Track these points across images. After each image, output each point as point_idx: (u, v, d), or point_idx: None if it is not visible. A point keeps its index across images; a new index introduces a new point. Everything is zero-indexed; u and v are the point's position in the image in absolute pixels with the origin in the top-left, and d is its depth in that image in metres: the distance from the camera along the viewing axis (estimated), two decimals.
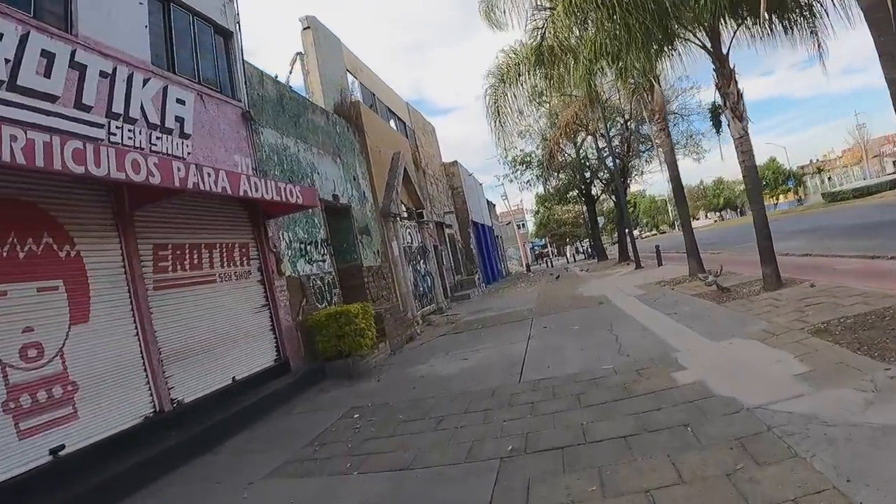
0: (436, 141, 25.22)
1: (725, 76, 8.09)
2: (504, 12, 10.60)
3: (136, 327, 5.98)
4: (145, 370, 5.96)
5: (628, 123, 24.02)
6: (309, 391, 7.77)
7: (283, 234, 8.74)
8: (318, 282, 9.52)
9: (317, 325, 8.32)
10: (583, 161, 27.45)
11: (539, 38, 9.36)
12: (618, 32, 8.91)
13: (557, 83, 11.69)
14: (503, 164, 29.81)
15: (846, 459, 2.75)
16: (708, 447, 3.26)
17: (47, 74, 5.38)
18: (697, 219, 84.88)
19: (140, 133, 6.50)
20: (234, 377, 7.19)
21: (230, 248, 7.67)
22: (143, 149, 6.43)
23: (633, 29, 7.70)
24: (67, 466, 4.74)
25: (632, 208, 53.65)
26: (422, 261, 16.75)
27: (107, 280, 5.79)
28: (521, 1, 10.09)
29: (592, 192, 29.71)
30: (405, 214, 15.86)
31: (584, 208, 34.95)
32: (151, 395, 5.97)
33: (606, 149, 24.12)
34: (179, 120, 7.18)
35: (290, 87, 10.64)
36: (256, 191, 6.58)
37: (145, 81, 6.71)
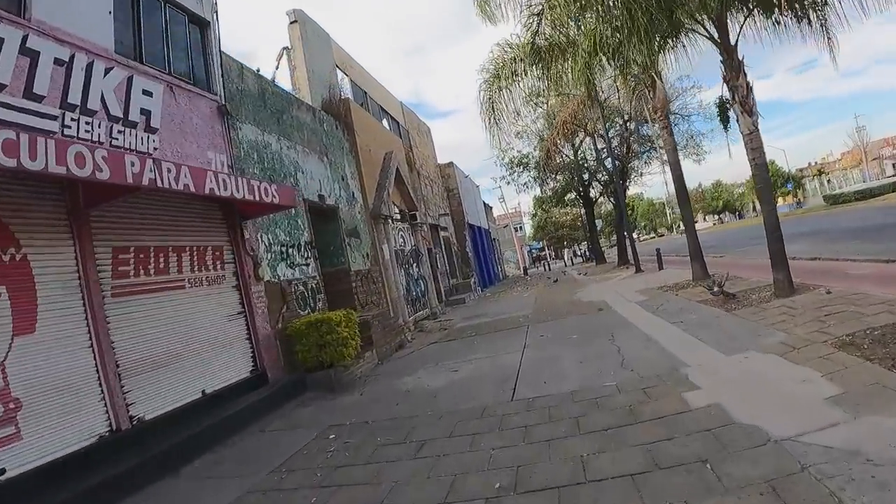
0: (431, 142, 24.70)
1: (734, 68, 7.58)
2: (499, 5, 10.10)
3: (91, 338, 5.43)
4: (100, 385, 5.42)
5: (628, 124, 23.51)
6: (287, 405, 7.21)
7: (261, 237, 8.19)
8: (301, 287, 8.96)
9: (297, 334, 7.76)
10: (581, 162, 26.92)
11: (535, 24, 8.82)
12: (619, 23, 8.41)
13: (555, 80, 11.19)
14: (500, 165, 29.29)
15: None
16: (732, 491, 2.71)
17: None
18: (696, 222, 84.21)
19: (99, 126, 5.95)
20: (203, 391, 6.63)
21: (202, 252, 7.11)
22: (101, 143, 5.88)
23: (636, 17, 7.18)
24: (8, 493, 4.22)
25: (630, 211, 53.15)
26: (415, 264, 16.19)
27: (57, 286, 5.24)
28: None
29: (590, 195, 29.18)
30: (397, 216, 15.31)
31: (582, 211, 34.43)
32: (107, 411, 5.42)
33: (605, 150, 23.61)
34: (146, 113, 6.63)
35: (274, 82, 10.11)
36: (225, 189, 6.02)
37: (107, 71, 6.17)
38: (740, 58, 7.66)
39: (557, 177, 28.18)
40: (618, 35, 8.60)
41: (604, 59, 9.51)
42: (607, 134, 21.05)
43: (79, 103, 5.74)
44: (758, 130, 7.54)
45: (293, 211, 9.21)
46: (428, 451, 4.22)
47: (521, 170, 28.81)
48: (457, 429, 4.61)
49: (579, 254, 59.65)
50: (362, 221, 12.32)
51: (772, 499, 2.57)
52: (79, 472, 4.80)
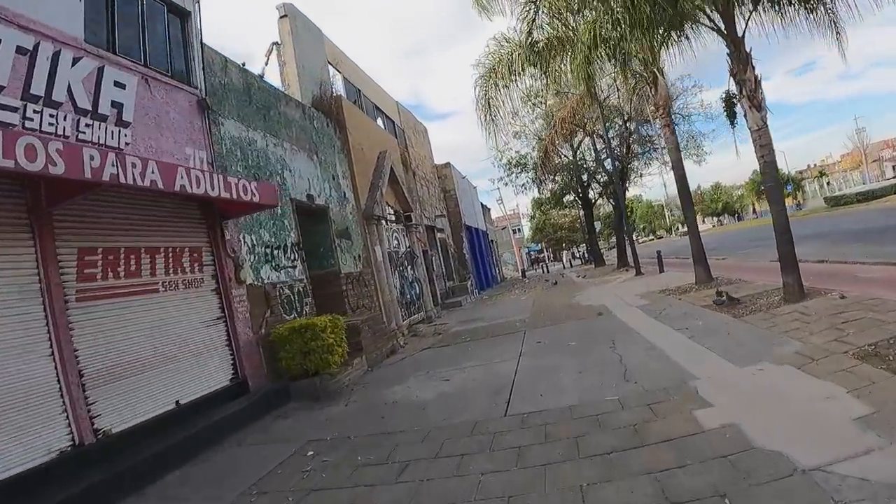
0: (428, 142, 24.30)
1: (741, 61, 7.19)
2: None
3: (52, 345, 5.03)
4: (62, 396, 5.03)
5: (628, 123, 23.13)
6: (267, 416, 6.80)
7: (244, 237, 7.78)
8: (287, 290, 8.55)
9: (280, 341, 7.35)
10: (580, 163, 26.52)
11: (532, 13, 8.41)
12: (620, 15, 8.03)
13: (553, 77, 10.82)
14: (497, 166, 28.89)
15: None
16: None
17: None
18: None
19: (65, 119, 5.56)
20: (177, 401, 6.21)
21: (178, 253, 6.70)
22: (66, 136, 5.49)
23: (640, 6, 6.78)
24: None
25: (629, 213, 52.78)
26: (409, 267, 15.78)
27: (14, 290, 4.85)
28: None
29: (589, 196, 28.76)
30: (391, 217, 14.90)
31: (581, 212, 34.05)
32: (69, 425, 5.03)
33: (605, 150, 23.23)
34: (117, 106, 6.22)
35: (261, 76, 9.70)
36: (198, 186, 5.61)
37: (75, 61, 5.78)
38: (748, 50, 7.27)
39: (556, 178, 27.78)
40: (619, 28, 8.23)
41: (604, 53, 9.13)
42: (607, 134, 20.64)
43: (42, 94, 5.37)
44: (766, 126, 7.15)
45: (279, 211, 8.81)
46: (411, 474, 3.81)
47: (519, 171, 28.43)
48: (444, 448, 4.20)
49: (578, 256, 59.22)
50: (354, 222, 11.91)
51: None
52: (36, 490, 4.42)
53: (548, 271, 42.94)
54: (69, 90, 5.66)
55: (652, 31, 8.50)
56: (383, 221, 13.55)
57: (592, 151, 25.72)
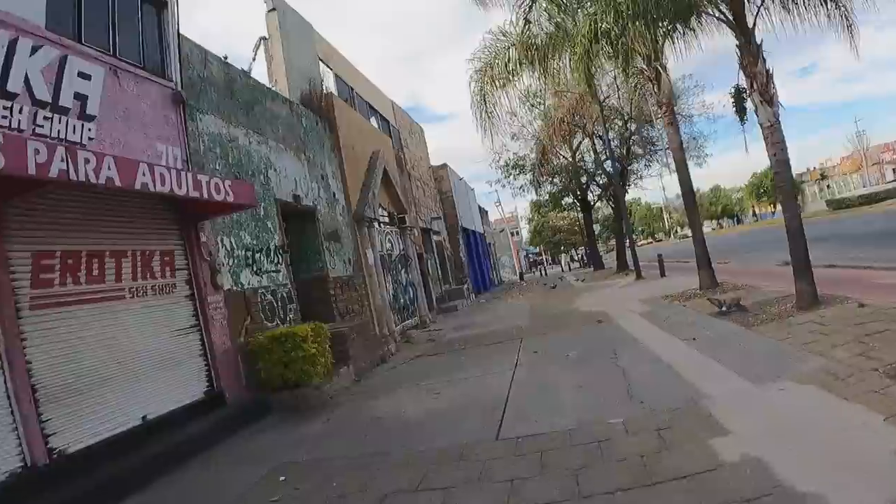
0: (424, 143, 23.87)
1: (752, 53, 6.75)
2: None
3: (0, 358, 4.56)
4: (12, 413, 4.59)
5: (628, 124, 22.70)
6: (244, 432, 6.32)
7: (222, 240, 7.31)
8: (269, 296, 8.08)
9: (259, 350, 6.89)
10: (579, 164, 26.05)
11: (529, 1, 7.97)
12: (623, 7, 7.61)
13: (552, 74, 10.38)
14: (495, 167, 28.44)
15: None
16: None
17: None
18: None
19: (20, 111, 5.11)
20: (144, 417, 5.74)
21: (147, 257, 6.23)
22: (21, 130, 5.03)
23: None
24: None
25: (628, 215, 52.37)
26: (403, 270, 15.31)
27: None
28: None
29: (588, 198, 28.31)
30: (385, 219, 14.44)
31: (580, 215, 33.61)
32: (20, 444, 4.59)
33: (604, 152, 22.79)
34: (81, 98, 5.76)
35: (244, 71, 9.24)
36: (163, 184, 5.15)
37: (35, 49, 5.33)
38: (759, 42, 6.83)
39: (554, 180, 27.35)
40: (621, 19, 7.80)
41: (605, 45, 8.71)
42: (607, 134, 20.20)
43: None
44: (779, 123, 6.71)
45: (262, 212, 8.36)
46: None
47: (518, 173, 28.00)
48: (428, 477, 3.73)
49: (576, 259, 58.77)
50: (344, 224, 11.45)
51: None
52: None
53: (546, 274, 42.51)
54: (26, 80, 5.21)
55: (656, 24, 8.09)
56: (376, 223, 13.09)
57: (592, 153, 25.30)
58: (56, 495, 4.45)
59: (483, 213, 38.54)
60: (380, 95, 18.45)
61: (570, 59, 9.24)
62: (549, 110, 23.27)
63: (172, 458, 5.44)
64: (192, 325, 6.65)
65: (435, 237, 21.26)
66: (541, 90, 21.52)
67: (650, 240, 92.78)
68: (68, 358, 5.14)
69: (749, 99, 6.92)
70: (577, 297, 15.63)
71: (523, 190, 29.31)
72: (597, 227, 38.31)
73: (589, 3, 9.13)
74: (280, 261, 8.54)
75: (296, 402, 6.77)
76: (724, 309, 7.50)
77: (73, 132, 5.60)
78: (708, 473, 2.93)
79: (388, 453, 4.46)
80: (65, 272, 5.33)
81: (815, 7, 7.63)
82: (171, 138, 6.84)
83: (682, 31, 7.96)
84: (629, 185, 26.08)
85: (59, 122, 5.49)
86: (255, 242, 8.01)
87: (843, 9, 7.91)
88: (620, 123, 22.98)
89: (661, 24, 8.22)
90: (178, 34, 7.45)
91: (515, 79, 10.21)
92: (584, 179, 26.84)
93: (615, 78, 16.01)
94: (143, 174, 4.96)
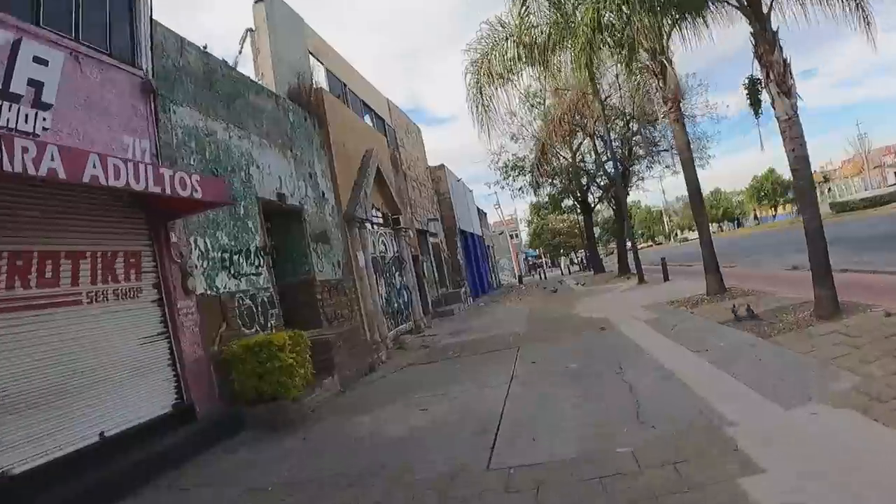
0: (421, 143, 23.34)
1: (767, 41, 6.23)
2: None
3: None
4: None
5: (630, 123, 22.18)
6: (215, 449, 5.78)
7: (195, 241, 6.78)
8: (248, 301, 7.54)
9: (233, 360, 6.35)
10: (579, 165, 25.51)
11: None
12: None
13: (551, 70, 9.89)
14: (494, 168, 27.94)
15: None
16: None
17: None
18: (693, 230, 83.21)
19: None
20: (102, 433, 5.20)
21: (109, 258, 5.69)
22: None
23: None
24: None
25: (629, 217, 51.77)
26: (397, 273, 14.77)
27: None
28: None
29: (589, 200, 27.78)
30: (378, 220, 13.91)
31: (580, 217, 33.10)
32: None
33: (605, 152, 22.26)
34: (36, 85, 5.23)
35: (225, 61, 8.72)
36: (117, 177, 4.61)
37: None
38: (775, 29, 6.32)
39: (554, 181, 26.84)
40: (625, 5, 7.30)
41: (608, 37, 8.21)
42: (608, 134, 19.67)
43: None
44: (797, 116, 6.19)
45: (241, 211, 7.83)
46: None
47: (517, 174, 27.49)
48: None
49: (576, 262, 58.22)
50: (334, 225, 10.92)
51: None
52: None
53: (545, 278, 41.99)
54: None
55: (663, 13, 7.59)
56: (368, 224, 12.56)
57: (593, 153, 24.79)
58: None
59: (482, 215, 38.01)
60: (375, 93, 17.94)
61: (571, 50, 8.73)
62: (548, 109, 22.79)
63: (132, 479, 4.95)
64: (160, 333, 6.11)
65: (431, 239, 20.73)
66: (540, 90, 21.10)
67: (650, 243, 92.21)
68: (15, 369, 4.62)
69: (765, 90, 6.41)
70: (577, 302, 15.10)
71: (522, 191, 28.85)
72: (597, 230, 37.74)
73: None
74: (261, 263, 8.01)
75: (272, 417, 6.22)
76: (738, 315, 6.97)
77: (26, 121, 5.07)
78: None
79: (362, 484, 3.92)
80: (12, 275, 4.80)
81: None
82: (140, 130, 6.31)
83: (691, 21, 7.44)
84: (631, 187, 25.57)
85: (10, 111, 4.96)
86: (233, 243, 7.47)
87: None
88: (622, 124, 22.47)
89: (668, 13, 7.71)
90: (151, 20, 6.93)
91: (514, 71, 9.71)
92: (584, 181, 26.32)
93: (617, 76, 15.54)
94: (94, 166, 4.43)
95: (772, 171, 74.38)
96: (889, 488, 2.50)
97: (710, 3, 6.95)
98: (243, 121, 8.47)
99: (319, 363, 7.44)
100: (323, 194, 10.74)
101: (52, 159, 4.11)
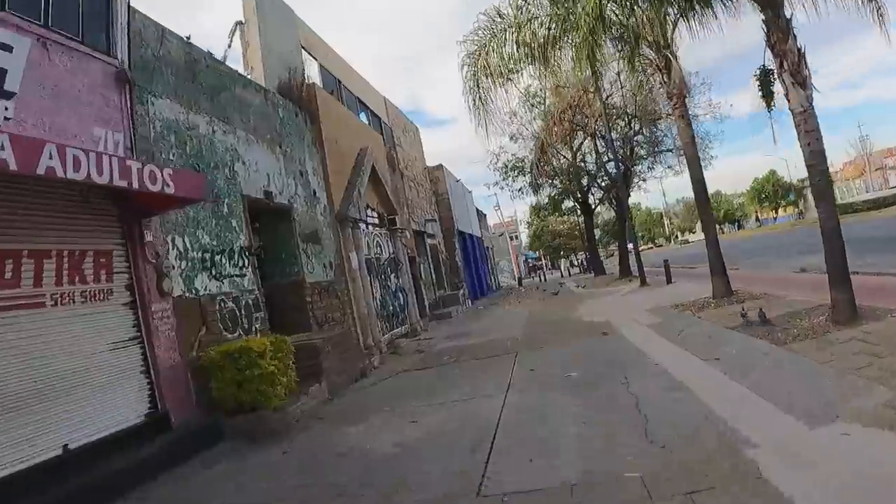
0: (419, 143, 22.97)
1: (781, 29, 5.87)
2: None
3: None
4: None
5: (632, 123, 21.79)
6: (191, 461, 5.39)
7: (172, 240, 6.40)
8: (231, 303, 7.16)
9: (212, 367, 5.97)
10: (580, 165, 25.11)
11: None
12: None
13: (552, 63, 9.51)
14: (493, 169, 27.55)
15: None
16: None
17: None
18: (693, 232, 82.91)
19: None
20: (66, 445, 4.81)
21: (76, 258, 5.30)
22: None
23: None
24: None
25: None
26: (393, 275, 14.39)
27: None
28: None
29: (589, 201, 27.37)
30: (373, 220, 13.53)
31: (581, 219, 32.70)
32: None
33: (607, 152, 21.87)
34: None
35: (210, 52, 8.33)
36: (77, 169, 4.23)
37: None
38: (788, 16, 5.95)
39: (554, 181, 26.44)
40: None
41: (611, 31, 7.83)
42: (609, 133, 19.28)
43: None
44: (812, 108, 5.82)
45: (225, 208, 7.46)
46: None
47: (516, 174, 27.11)
48: None
49: (576, 264, 57.79)
50: (326, 225, 10.54)
51: None
52: None
53: (545, 280, 41.60)
54: None
55: (668, 3, 7.22)
56: (362, 224, 12.18)
57: (594, 153, 24.40)
58: None
59: (481, 216, 37.64)
60: (371, 91, 17.58)
61: (571, 44, 8.36)
62: (548, 108, 22.42)
63: (98, 496, 4.60)
64: (133, 338, 5.72)
65: (429, 240, 20.34)
66: (540, 89, 20.74)
67: (651, 245, 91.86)
68: None
69: (778, 81, 6.03)
70: (578, 305, 14.71)
71: (522, 192, 28.46)
72: (597, 232, 37.33)
73: None
74: (246, 264, 7.62)
75: (252, 428, 5.84)
76: (749, 320, 6.58)
77: None
78: None
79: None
80: None
81: None
82: (113, 122, 5.93)
83: (700, 9, 7.06)
84: (632, 188, 25.18)
85: None
86: (215, 243, 7.09)
87: None
88: (623, 123, 22.09)
89: (673, 3, 7.34)
90: (129, 7, 6.57)
91: (514, 70, 9.35)
92: (585, 181, 25.93)
93: (619, 74, 15.17)
94: (50, 157, 4.04)
95: (773, 172, 74.06)
96: None
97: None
98: (229, 115, 8.10)
99: (306, 369, 7.07)
100: (314, 193, 10.36)
101: (3, 149, 3.74)
